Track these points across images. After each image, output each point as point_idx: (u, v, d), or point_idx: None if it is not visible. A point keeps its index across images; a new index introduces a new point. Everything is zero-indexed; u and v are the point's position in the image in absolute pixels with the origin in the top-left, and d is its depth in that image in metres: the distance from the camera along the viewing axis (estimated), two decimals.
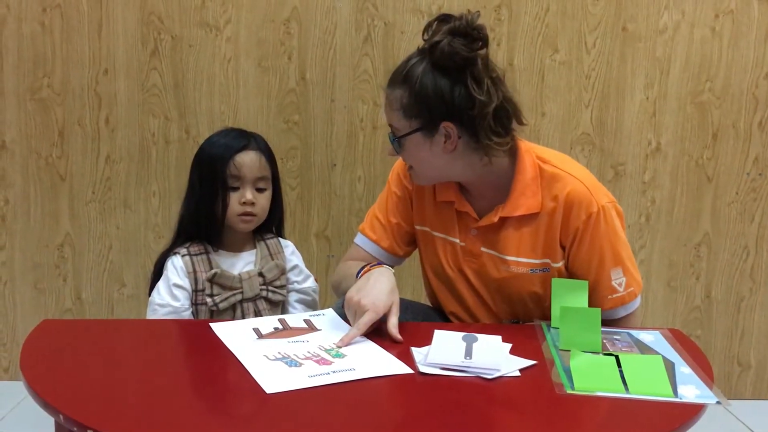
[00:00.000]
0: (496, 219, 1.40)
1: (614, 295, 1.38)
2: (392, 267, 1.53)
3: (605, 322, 1.37)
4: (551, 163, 1.39)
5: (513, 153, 1.40)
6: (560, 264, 1.40)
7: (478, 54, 1.31)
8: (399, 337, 1.25)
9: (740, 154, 2.33)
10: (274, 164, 1.60)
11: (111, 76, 2.28)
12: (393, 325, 1.26)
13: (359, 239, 1.59)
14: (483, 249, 1.44)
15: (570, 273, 1.41)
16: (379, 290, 1.29)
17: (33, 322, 1.33)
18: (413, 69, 1.33)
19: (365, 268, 1.40)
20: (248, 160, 1.53)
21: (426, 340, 1.23)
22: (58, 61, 2.27)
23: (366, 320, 1.24)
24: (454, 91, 1.31)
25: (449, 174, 1.41)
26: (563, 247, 1.40)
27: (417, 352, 1.19)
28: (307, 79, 2.28)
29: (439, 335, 1.25)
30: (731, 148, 2.32)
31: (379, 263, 1.42)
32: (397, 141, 1.37)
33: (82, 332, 1.34)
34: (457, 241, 1.47)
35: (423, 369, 1.13)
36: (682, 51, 2.27)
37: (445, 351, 1.18)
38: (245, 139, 1.56)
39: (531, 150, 1.41)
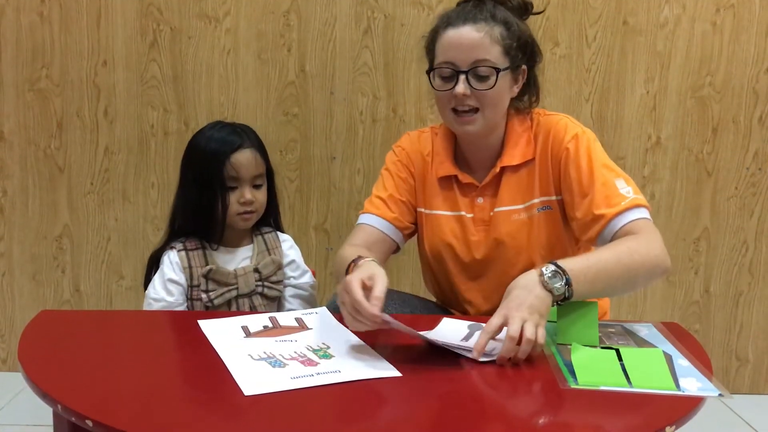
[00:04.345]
0: (498, 170, 1.46)
1: (626, 201, 1.34)
2: (398, 247, 1.54)
3: (624, 231, 1.32)
4: (543, 113, 1.50)
5: (504, 115, 1.49)
6: (559, 197, 1.44)
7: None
8: (376, 310, 1.10)
9: (740, 148, 2.32)
10: (267, 157, 1.59)
11: (110, 68, 2.27)
12: (375, 296, 1.12)
13: (362, 218, 1.53)
14: (491, 213, 1.47)
15: (574, 193, 1.39)
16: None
17: (31, 314, 1.33)
18: (501, 12, 1.41)
19: (350, 266, 1.32)
20: (244, 160, 1.52)
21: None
22: (57, 52, 2.26)
23: (378, 290, 1.13)
24: (533, 38, 1.46)
25: (498, 122, 1.46)
26: (559, 179, 1.43)
27: (421, 333, 1.20)
28: (306, 71, 2.28)
29: (447, 321, 1.28)
30: (731, 142, 2.32)
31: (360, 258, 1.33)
32: (497, 75, 1.38)
33: (80, 323, 1.34)
34: (464, 213, 1.49)
35: (421, 335, 1.15)
36: (682, 45, 2.26)
37: (446, 333, 1.20)
38: (238, 136, 1.54)
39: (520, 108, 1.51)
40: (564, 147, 1.41)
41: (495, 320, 1.12)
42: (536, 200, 1.45)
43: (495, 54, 1.38)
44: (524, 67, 1.45)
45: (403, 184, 1.55)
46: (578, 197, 1.39)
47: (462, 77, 1.38)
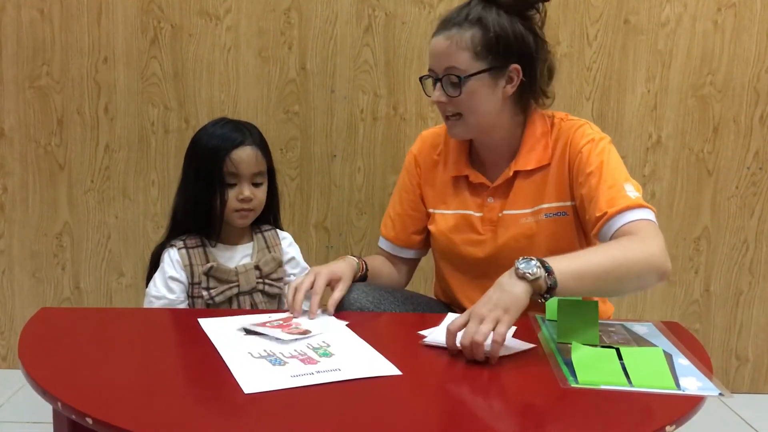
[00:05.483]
0: (511, 174, 1.45)
1: (629, 202, 1.32)
2: (416, 259, 1.63)
3: (623, 230, 1.29)
4: (565, 117, 1.49)
5: (525, 114, 1.48)
6: (575, 202, 1.43)
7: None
8: (331, 310, 1.34)
9: (741, 148, 2.32)
10: (269, 156, 1.59)
11: (110, 65, 2.27)
12: (333, 299, 1.36)
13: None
14: (500, 214, 1.47)
15: (583, 197, 1.39)
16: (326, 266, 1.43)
17: (31, 311, 1.33)
18: (482, 12, 1.38)
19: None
20: (245, 157, 1.52)
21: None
22: (57, 48, 2.26)
23: (306, 282, 1.36)
24: (526, 35, 1.40)
25: (492, 124, 1.44)
26: (573, 184, 1.42)
27: (425, 332, 1.22)
28: (307, 69, 2.27)
29: (451, 317, 1.28)
30: (732, 142, 2.32)
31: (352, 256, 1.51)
32: (462, 82, 1.37)
33: (80, 320, 1.34)
34: (472, 212, 1.50)
35: (425, 342, 1.18)
36: (683, 44, 2.26)
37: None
38: (240, 133, 1.54)
39: (543, 111, 1.50)
40: (579, 150, 1.41)
41: (460, 319, 1.13)
42: (545, 205, 1.44)
43: (462, 60, 1.37)
44: (516, 66, 1.40)
45: (407, 196, 1.60)
46: (587, 199, 1.38)
47: (438, 85, 1.41)
